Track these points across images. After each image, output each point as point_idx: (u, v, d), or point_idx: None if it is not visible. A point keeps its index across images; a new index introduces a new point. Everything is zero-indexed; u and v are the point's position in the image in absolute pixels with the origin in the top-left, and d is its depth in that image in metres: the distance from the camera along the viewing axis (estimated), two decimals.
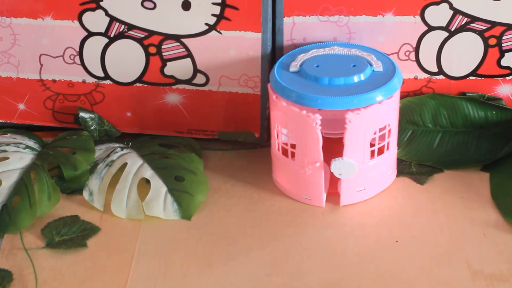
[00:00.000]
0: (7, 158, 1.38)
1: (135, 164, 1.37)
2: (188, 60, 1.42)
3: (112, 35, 1.40)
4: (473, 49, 1.41)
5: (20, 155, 1.40)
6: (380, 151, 1.30)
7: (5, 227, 1.28)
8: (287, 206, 1.33)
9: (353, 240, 1.25)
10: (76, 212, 1.32)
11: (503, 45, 1.40)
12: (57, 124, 1.50)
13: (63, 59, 1.44)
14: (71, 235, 1.27)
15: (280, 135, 1.33)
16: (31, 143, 1.45)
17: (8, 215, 1.29)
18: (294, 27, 1.39)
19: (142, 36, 1.40)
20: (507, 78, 1.43)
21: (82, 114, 1.47)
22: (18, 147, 1.41)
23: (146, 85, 1.45)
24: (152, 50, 1.41)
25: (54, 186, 1.35)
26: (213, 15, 1.37)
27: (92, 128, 1.48)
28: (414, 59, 1.42)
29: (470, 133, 1.43)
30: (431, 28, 1.39)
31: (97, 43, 1.42)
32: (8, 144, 1.43)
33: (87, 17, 1.39)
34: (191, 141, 1.47)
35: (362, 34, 1.39)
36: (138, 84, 1.45)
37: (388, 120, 1.29)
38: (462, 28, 1.39)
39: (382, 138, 1.29)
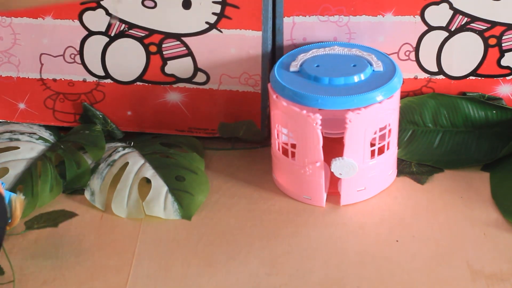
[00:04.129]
0: (18, 148, 1.39)
1: (136, 163, 1.37)
2: (189, 58, 1.42)
3: (112, 34, 1.40)
4: (473, 49, 1.41)
5: (32, 146, 1.41)
6: (380, 150, 1.30)
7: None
8: (287, 206, 1.33)
9: (353, 239, 1.25)
10: (77, 211, 1.31)
11: (503, 45, 1.40)
12: (58, 123, 1.50)
13: (64, 58, 1.44)
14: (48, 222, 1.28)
15: (280, 134, 1.33)
16: (46, 134, 1.46)
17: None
18: (294, 27, 1.39)
19: (143, 35, 1.40)
20: (507, 78, 1.43)
21: (87, 112, 1.48)
22: (31, 137, 1.42)
23: (146, 84, 1.45)
24: (153, 49, 1.41)
25: (58, 179, 1.35)
26: (213, 13, 1.37)
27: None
28: (414, 59, 1.42)
29: (470, 133, 1.43)
30: (431, 28, 1.39)
31: (98, 42, 1.42)
32: (22, 133, 1.44)
33: (88, 16, 1.39)
34: (193, 140, 1.47)
35: (362, 34, 1.39)
36: (138, 83, 1.45)
37: (388, 120, 1.29)
38: (462, 28, 1.39)
39: (382, 138, 1.29)
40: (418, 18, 1.37)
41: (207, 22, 1.38)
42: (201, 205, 1.32)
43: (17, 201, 1.12)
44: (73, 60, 1.43)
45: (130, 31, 1.40)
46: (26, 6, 1.11)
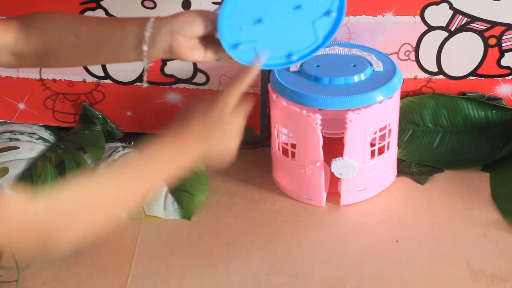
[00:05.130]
0: (18, 148, 1.39)
1: None
2: None
3: None
4: (473, 49, 1.41)
5: (32, 145, 1.41)
6: (381, 151, 1.30)
7: None
8: (287, 205, 1.33)
9: (353, 239, 1.25)
10: None
11: (503, 45, 1.40)
12: (58, 123, 1.50)
13: None
14: None
15: (280, 134, 1.33)
16: (46, 134, 1.46)
17: None
18: None
19: None
20: (507, 78, 1.43)
21: (86, 113, 1.47)
22: (31, 137, 1.42)
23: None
24: None
25: (58, 179, 1.35)
26: None
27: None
28: (414, 59, 1.42)
29: (470, 133, 1.43)
30: (431, 28, 1.39)
31: None
32: (22, 133, 1.44)
33: None
34: None
35: (362, 34, 1.39)
36: (138, 84, 1.45)
37: (388, 120, 1.29)
38: (462, 28, 1.38)
39: (382, 138, 1.29)
40: (418, 18, 1.37)
41: None
42: (201, 205, 1.32)
43: None
44: None
45: None
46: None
